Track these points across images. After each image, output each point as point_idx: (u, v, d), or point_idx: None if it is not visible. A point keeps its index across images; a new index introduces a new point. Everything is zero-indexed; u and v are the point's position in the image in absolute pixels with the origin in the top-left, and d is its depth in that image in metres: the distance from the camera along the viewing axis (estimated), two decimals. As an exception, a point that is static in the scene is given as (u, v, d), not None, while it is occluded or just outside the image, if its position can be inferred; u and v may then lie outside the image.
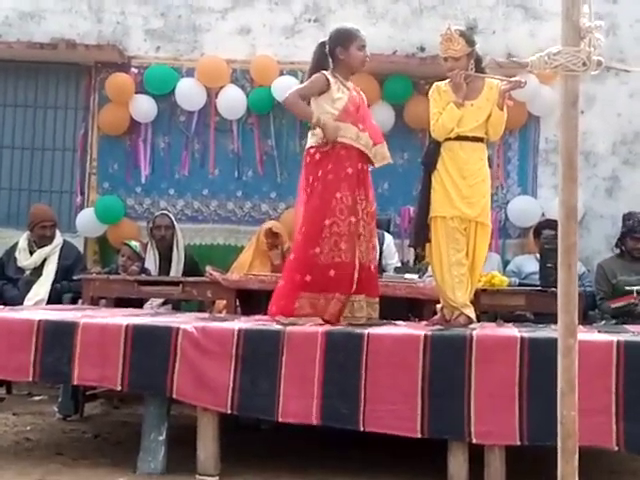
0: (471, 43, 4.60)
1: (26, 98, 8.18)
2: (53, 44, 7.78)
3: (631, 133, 7.66)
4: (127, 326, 4.14)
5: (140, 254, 6.81)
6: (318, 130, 4.55)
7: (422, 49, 7.66)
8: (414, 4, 7.79)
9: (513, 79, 4.61)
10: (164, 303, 6.72)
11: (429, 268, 5.26)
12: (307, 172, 4.64)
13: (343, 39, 4.67)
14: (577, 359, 2.11)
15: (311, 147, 4.63)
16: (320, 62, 4.68)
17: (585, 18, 2.18)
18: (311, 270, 4.49)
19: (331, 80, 4.60)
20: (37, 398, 6.31)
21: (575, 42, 2.15)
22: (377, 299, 4.71)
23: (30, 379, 4.32)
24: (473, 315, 4.57)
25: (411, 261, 6.86)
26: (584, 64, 2.15)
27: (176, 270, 6.92)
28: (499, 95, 4.58)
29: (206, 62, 7.71)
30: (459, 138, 4.59)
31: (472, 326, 4.41)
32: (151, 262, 6.90)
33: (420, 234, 4.71)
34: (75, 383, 4.31)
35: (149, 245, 7.01)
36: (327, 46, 4.69)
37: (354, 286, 4.53)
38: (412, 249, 5.69)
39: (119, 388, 4.14)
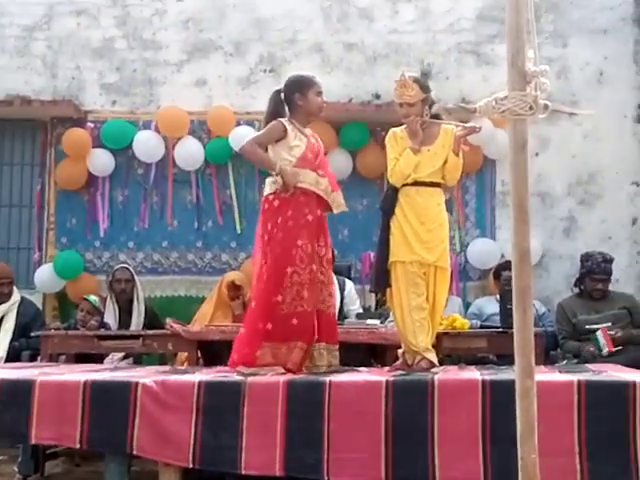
0: (425, 89, 4.65)
1: (-18, 155, 8.13)
2: (8, 101, 7.76)
3: (586, 174, 7.76)
4: (85, 382, 4.08)
5: (99, 308, 6.74)
6: (277, 177, 4.55)
7: (377, 96, 7.74)
8: (368, 53, 7.89)
9: (468, 125, 4.66)
10: (125, 357, 6.63)
11: (391, 313, 5.26)
12: (265, 219, 4.62)
13: (301, 85, 4.70)
14: (536, 400, 2.10)
15: (270, 194, 4.62)
16: (276, 109, 4.70)
17: (531, 63, 2.21)
18: (273, 318, 4.47)
19: (288, 127, 4.61)
20: (-4, 459, 6.18)
21: (521, 87, 2.18)
22: (337, 346, 4.70)
23: (-13, 440, 4.24)
24: (435, 359, 4.57)
25: (373, 306, 6.86)
26: (531, 108, 2.18)
27: (137, 323, 6.85)
28: (454, 141, 4.62)
29: (166, 113, 7.72)
30: (416, 184, 4.62)
31: (434, 370, 4.39)
32: (111, 316, 6.83)
33: (380, 279, 4.71)
34: (33, 442, 4.23)
35: (108, 299, 6.94)
36: (283, 93, 4.72)
37: (315, 335, 4.51)
38: (373, 294, 5.68)
39: (78, 446, 4.06)
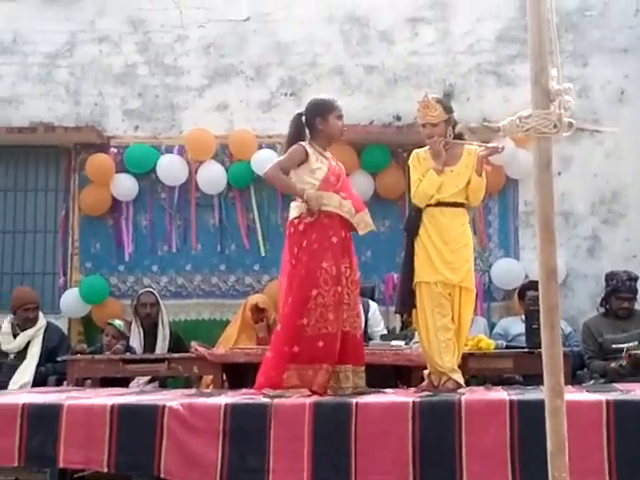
0: (448, 110, 4.67)
1: (6, 182, 8.21)
2: (32, 128, 7.84)
3: (609, 192, 7.73)
4: (112, 406, 4.09)
5: (124, 333, 6.78)
6: (301, 202, 4.56)
7: (398, 118, 7.75)
8: (388, 75, 7.91)
9: (491, 145, 4.67)
10: (150, 381, 6.65)
11: (416, 334, 5.25)
12: (291, 243, 4.63)
13: (322, 109, 4.72)
14: (565, 420, 2.09)
15: (295, 218, 4.63)
16: (297, 133, 4.72)
17: (554, 81, 2.22)
18: (299, 341, 4.47)
19: (309, 151, 4.63)
20: (24, 484, 6.19)
21: (545, 105, 2.18)
22: (363, 367, 4.68)
23: (15, 464, 4.25)
24: (461, 380, 4.55)
25: (397, 328, 6.84)
26: (555, 126, 2.18)
27: (161, 347, 6.88)
28: (477, 161, 4.62)
29: (193, 136, 7.77)
30: (440, 204, 4.63)
31: (461, 391, 4.38)
32: (136, 340, 6.86)
33: (405, 300, 4.71)
34: (61, 466, 4.24)
35: (133, 323, 6.98)
36: (304, 117, 4.74)
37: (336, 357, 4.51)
38: (398, 315, 5.68)
39: (106, 470, 4.07)
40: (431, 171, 4.62)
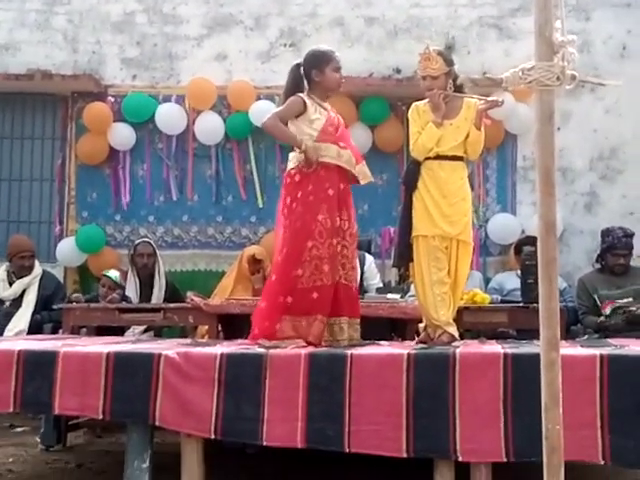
0: (449, 62, 4.62)
1: (2, 129, 8.18)
2: (29, 75, 7.79)
3: (607, 149, 7.72)
4: (108, 354, 4.10)
5: (120, 283, 6.79)
6: (298, 152, 4.54)
7: (398, 71, 7.71)
8: (389, 27, 7.85)
9: (490, 98, 4.63)
10: (146, 330, 6.68)
11: (411, 288, 5.26)
12: (286, 193, 4.60)
13: (318, 61, 4.67)
14: (560, 373, 2.10)
15: (291, 169, 4.61)
16: (295, 84, 4.67)
17: (558, 33, 2.19)
18: (292, 292, 4.46)
19: (307, 102, 4.59)
20: (19, 429, 6.25)
21: (549, 57, 2.16)
22: (358, 320, 4.69)
23: (11, 410, 4.25)
24: (456, 333, 4.56)
25: (393, 281, 6.86)
26: (558, 78, 2.16)
27: (157, 297, 6.89)
28: (476, 114, 4.59)
29: (194, 85, 7.73)
30: (438, 157, 4.60)
31: (455, 344, 4.40)
32: (132, 290, 6.87)
33: (403, 254, 4.70)
34: (56, 413, 4.26)
35: (129, 272, 6.98)
36: (302, 68, 4.70)
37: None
38: (395, 269, 5.67)
39: (101, 417, 4.08)
40: (430, 124, 4.59)
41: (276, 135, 4.83)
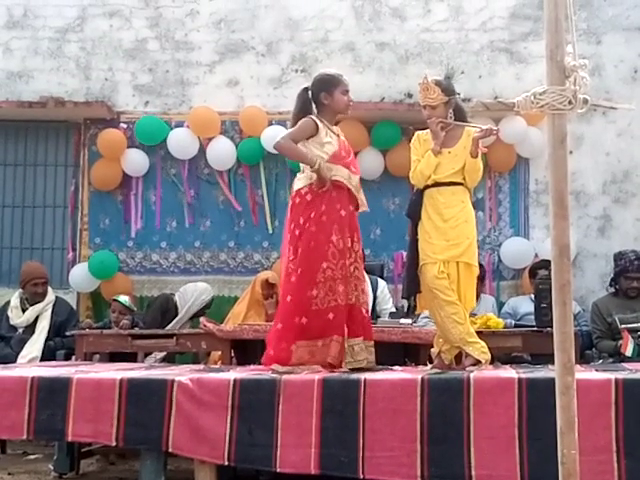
0: (448, 92, 4.64)
1: (16, 156, 8.21)
2: (42, 102, 7.82)
3: (620, 172, 7.70)
4: (121, 380, 4.10)
5: (130, 307, 6.79)
6: (308, 172, 4.54)
7: (409, 95, 7.72)
8: (400, 52, 7.87)
9: (485, 126, 4.64)
10: (166, 357, 6.64)
11: (419, 317, 5.24)
12: (297, 213, 4.58)
13: (327, 84, 4.68)
14: (575, 398, 2.09)
15: (301, 188, 4.59)
16: (304, 108, 4.68)
17: (569, 57, 2.20)
18: (307, 313, 4.44)
19: (319, 124, 4.60)
20: (32, 457, 6.22)
21: (560, 81, 2.17)
22: (372, 342, 4.68)
23: (25, 437, 4.26)
24: (475, 353, 4.50)
25: (405, 306, 6.83)
26: (570, 102, 2.16)
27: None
28: (472, 143, 4.59)
29: (197, 113, 7.76)
30: (437, 184, 4.61)
31: (469, 369, 4.37)
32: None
33: (411, 285, 4.71)
34: (70, 439, 4.26)
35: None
36: (310, 92, 4.71)
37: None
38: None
39: (114, 443, 4.08)
40: (429, 152, 4.62)
41: (289, 155, 4.83)
